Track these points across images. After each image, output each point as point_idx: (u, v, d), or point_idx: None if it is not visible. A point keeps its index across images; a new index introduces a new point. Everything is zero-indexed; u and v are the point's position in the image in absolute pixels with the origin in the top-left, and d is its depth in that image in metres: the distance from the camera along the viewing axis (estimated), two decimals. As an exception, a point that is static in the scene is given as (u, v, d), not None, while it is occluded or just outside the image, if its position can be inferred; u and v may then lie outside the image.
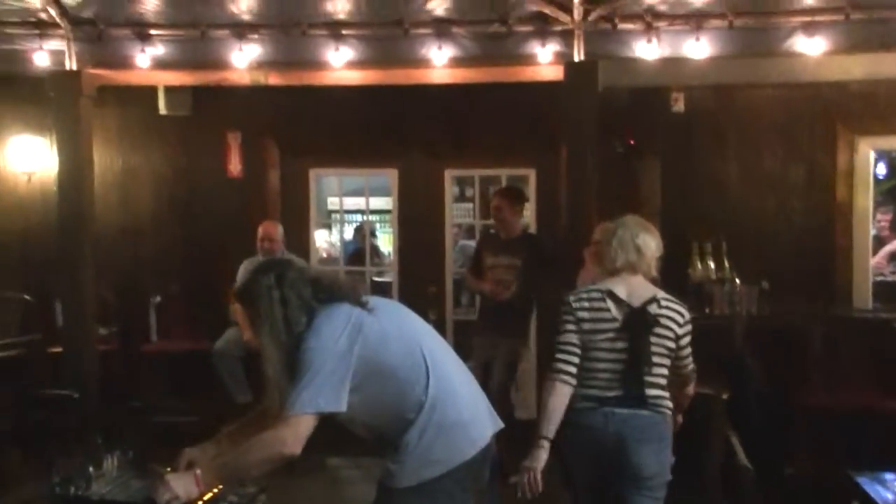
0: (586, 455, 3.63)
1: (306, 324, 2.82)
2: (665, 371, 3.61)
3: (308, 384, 2.71)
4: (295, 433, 2.71)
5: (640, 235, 3.72)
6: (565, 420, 3.59)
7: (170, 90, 7.54)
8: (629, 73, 6.61)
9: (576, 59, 6.26)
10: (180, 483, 2.75)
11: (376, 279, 8.62)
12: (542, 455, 3.48)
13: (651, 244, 3.73)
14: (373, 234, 9.62)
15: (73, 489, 2.92)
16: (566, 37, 6.29)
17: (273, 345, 2.82)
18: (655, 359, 3.56)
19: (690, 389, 3.80)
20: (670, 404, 3.63)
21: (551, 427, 3.52)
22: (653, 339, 3.56)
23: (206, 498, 2.87)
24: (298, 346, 2.78)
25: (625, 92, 6.99)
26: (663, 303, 3.63)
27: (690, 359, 3.71)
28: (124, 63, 6.75)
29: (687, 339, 3.65)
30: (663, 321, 3.59)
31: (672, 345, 3.60)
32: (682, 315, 3.64)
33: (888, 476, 3.47)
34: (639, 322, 3.56)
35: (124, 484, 3.08)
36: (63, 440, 5.36)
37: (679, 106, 7.12)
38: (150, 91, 7.51)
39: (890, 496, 3.28)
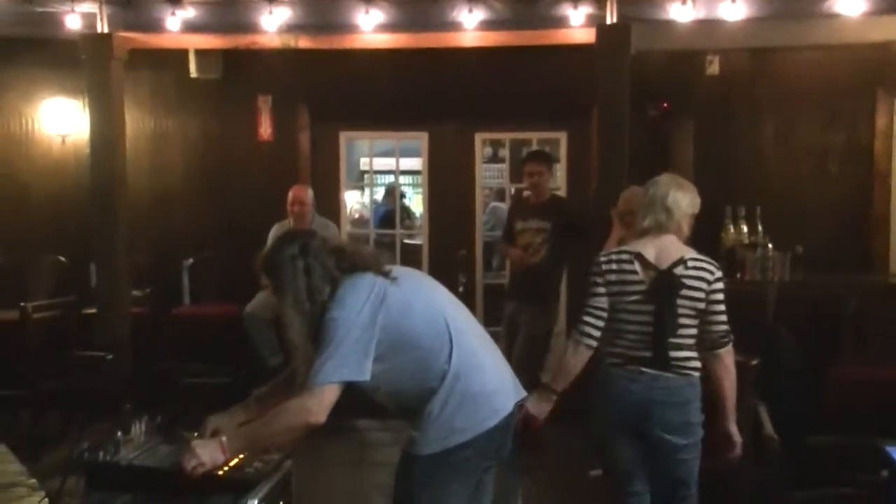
0: (615, 415, 3.67)
1: (329, 294, 2.83)
2: (692, 332, 3.59)
3: (332, 354, 2.73)
4: (319, 402, 2.73)
5: (670, 194, 3.67)
6: (595, 381, 3.65)
7: (200, 53, 7.53)
8: (663, 35, 6.49)
9: (608, 21, 6.17)
10: (206, 450, 2.78)
11: (407, 242, 8.62)
12: (546, 405, 3.55)
13: (682, 202, 3.67)
14: (403, 196, 9.60)
15: (102, 455, 2.96)
16: (599, -1, 6.20)
17: (296, 314, 2.83)
18: (682, 320, 3.55)
19: (727, 359, 3.61)
20: (698, 364, 3.60)
21: (562, 383, 3.60)
22: (679, 302, 3.55)
23: (231, 464, 2.91)
24: (322, 315, 2.80)
25: (658, 55, 6.89)
26: (690, 263, 3.59)
27: (723, 318, 3.59)
28: (155, 26, 6.76)
29: (717, 297, 3.58)
30: (690, 282, 3.56)
31: (701, 305, 3.57)
32: (712, 273, 3.59)
33: (918, 445, 3.42)
34: (664, 286, 3.55)
35: (152, 449, 3.12)
36: (95, 404, 5.45)
37: (714, 69, 7.01)
38: (181, 54, 7.50)
39: (919, 466, 3.24)
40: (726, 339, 3.60)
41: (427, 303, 2.96)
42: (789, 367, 5.17)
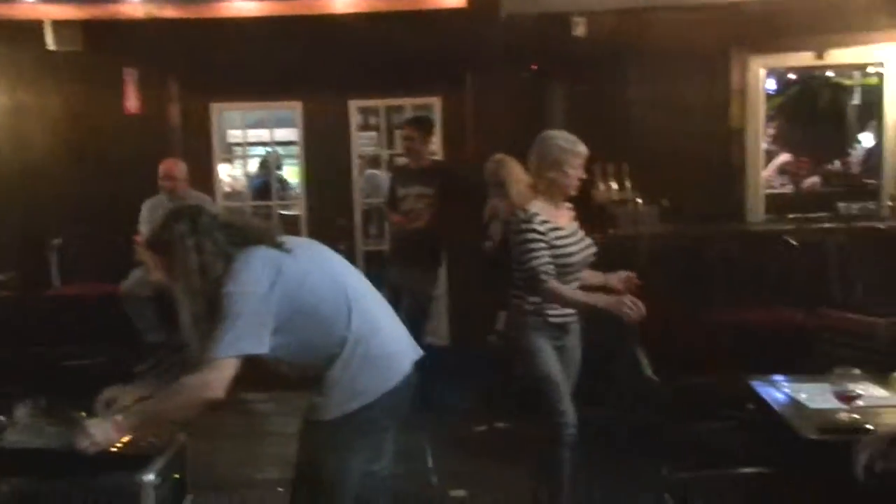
0: None
1: (223, 269, 2.81)
2: (518, 275, 4.04)
3: (230, 328, 2.72)
4: (218, 377, 2.72)
5: None
6: None
7: (58, 25, 7.22)
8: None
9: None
10: (99, 428, 2.75)
11: (283, 213, 8.54)
12: None
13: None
14: (278, 168, 9.49)
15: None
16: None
17: (190, 292, 2.81)
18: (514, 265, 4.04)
19: (556, 293, 3.96)
20: (520, 300, 4.09)
21: None
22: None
23: (124, 440, 2.89)
24: (217, 291, 2.78)
25: (528, 18, 6.98)
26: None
27: (520, 266, 4.00)
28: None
29: (516, 248, 3.99)
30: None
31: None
32: (510, 223, 4.12)
33: (778, 378, 3.70)
34: None
35: (38, 431, 3.07)
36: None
37: (581, 30, 7.14)
38: (38, 26, 7.18)
39: (780, 396, 3.50)
40: (533, 282, 3.96)
41: (323, 271, 2.98)
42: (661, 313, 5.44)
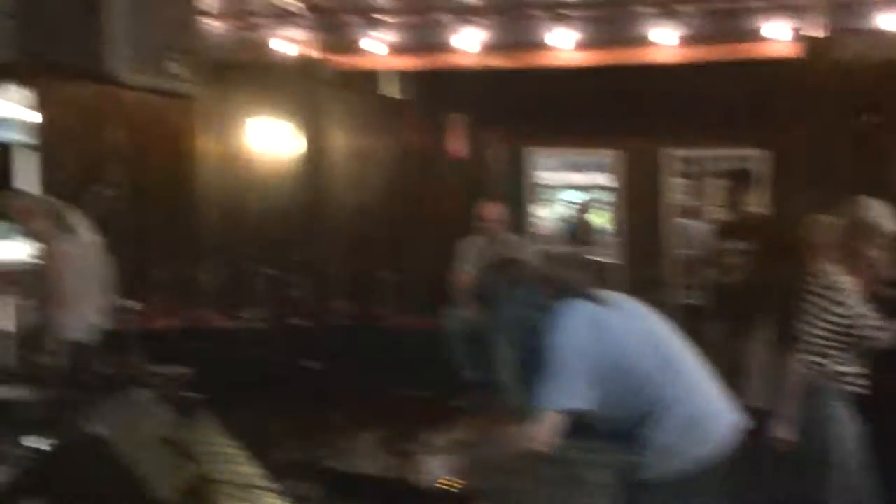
0: None
1: (543, 322, 2.84)
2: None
3: (551, 382, 2.73)
4: (544, 430, 2.75)
5: None
6: None
7: (393, 74, 7.76)
8: (873, 45, 6.20)
9: (814, 33, 5.96)
10: (435, 466, 2.88)
11: (590, 258, 8.55)
12: None
13: None
14: (590, 213, 9.55)
15: (333, 463, 3.12)
16: (803, 10, 6.00)
17: (510, 344, 2.87)
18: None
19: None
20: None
21: None
22: None
23: (452, 480, 2.99)
24: (537, 343, 2.81)
25: (868, 66, 6.53)
26: None
27: (813, 328, 3.66)
28: (356, 49, 7.04)
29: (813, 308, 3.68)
30: None
31: None
32: (816, 283, 3.73)
33: None
34: None
35: (376, 459, 3.26)
36: (314, 414, 5.63)
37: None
38: (379, 75, 7.75)
39: None
40: (807, 348, 3.66)
41: (641, 328, 2.92)
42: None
